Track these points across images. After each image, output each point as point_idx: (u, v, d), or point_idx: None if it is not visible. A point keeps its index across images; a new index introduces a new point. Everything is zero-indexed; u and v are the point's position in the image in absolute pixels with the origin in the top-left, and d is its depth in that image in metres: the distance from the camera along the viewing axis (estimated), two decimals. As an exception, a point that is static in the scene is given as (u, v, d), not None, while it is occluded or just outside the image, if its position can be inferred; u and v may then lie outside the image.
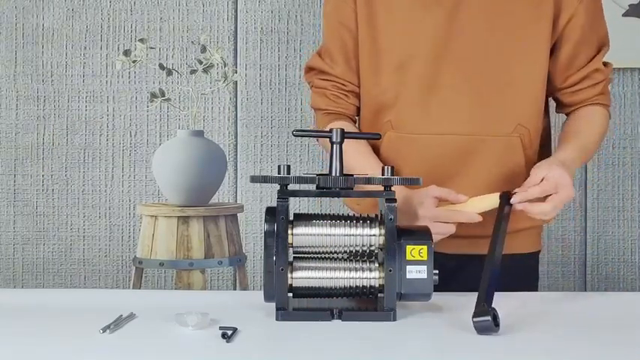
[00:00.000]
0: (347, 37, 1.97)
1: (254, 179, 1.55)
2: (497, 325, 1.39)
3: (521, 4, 1.90)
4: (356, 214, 1.56)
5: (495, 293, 1.59)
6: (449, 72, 1.89)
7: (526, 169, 1.89)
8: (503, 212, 1.71)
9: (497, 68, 1.89)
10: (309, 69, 2.05)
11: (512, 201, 1.73)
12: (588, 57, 1.97)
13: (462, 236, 1.83)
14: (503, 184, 1.89)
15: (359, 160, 1.90)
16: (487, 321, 1.39)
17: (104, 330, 1.40)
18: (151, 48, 2.94)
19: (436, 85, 1.89)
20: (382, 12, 1.92)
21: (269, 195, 3.34)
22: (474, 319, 1.40)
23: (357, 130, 2.00)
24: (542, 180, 1.75)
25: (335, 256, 1.53)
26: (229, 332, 1.37)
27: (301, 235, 1.52)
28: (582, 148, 1.92)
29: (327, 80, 1.99)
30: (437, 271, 1.52)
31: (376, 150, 1.96)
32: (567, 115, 2.03)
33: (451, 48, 1.89)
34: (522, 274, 1.98)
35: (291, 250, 1.52)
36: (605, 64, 2.00)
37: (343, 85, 1.98)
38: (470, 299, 1.68)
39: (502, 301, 1.69)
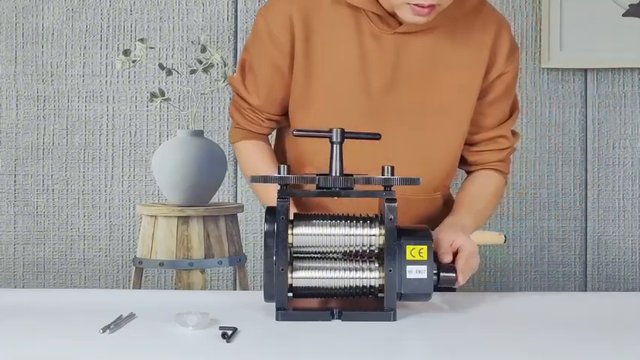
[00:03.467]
0: (276, 76, 1.88)
1: (254, 179, 1.55)
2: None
3: (459, 60, 1.85)
4: (355, 214, 1.56)
5: (495, 293, 1.60)
6: (382, 130, 1.77)
7: (443, 208, 1.94)
8: None
9: (430, 128, 1.85)
10: (236, 91, 1.96)
11: (443, 260, 1.66)
12: (499, 120, 1.93)
13: None
14: (433, 223, 1.87)
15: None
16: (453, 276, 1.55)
17: (104, 330, 1.40)
18: (151, 48, 2.94)
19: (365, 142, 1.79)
20: (319, 62, 1.85)
21: (269, 195, 3.34)
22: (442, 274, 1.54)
23: (271, 153, 1.97)
24: (452, 245, 1.68)
25: (335, 256, 1.53)
26: (229, 332, 1.36)
27: (301, 235, 1.51)
28: (477, 213, 1.88)
29: (245, 101, 1.92)
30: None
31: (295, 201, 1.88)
32: (467, 173, 1.99)
33: (384, 111, 1.83)
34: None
35: (291, 250, 1.52)
36: (514, 133, 1.97)
37: (260, 112, 1.92)
38: (470, 299, 1.68)
39: (502, 300, 1.69)
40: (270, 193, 1.74)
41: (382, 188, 1.52)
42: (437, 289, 1.55)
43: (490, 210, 1.95)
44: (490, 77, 1.89)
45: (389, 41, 1.82)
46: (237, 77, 1.94)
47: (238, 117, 1.95)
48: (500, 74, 1.89)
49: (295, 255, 1.53)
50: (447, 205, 1.94)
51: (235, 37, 3.35)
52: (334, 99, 1.84)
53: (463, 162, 1.98)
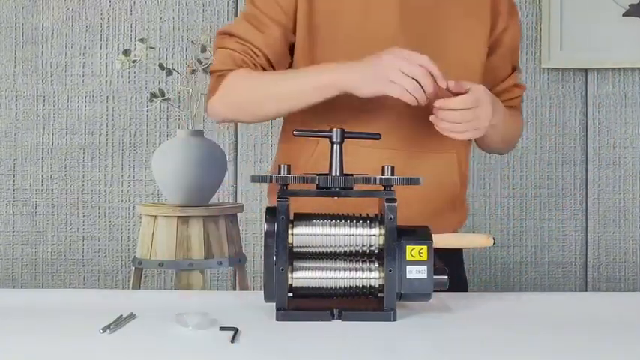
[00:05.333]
0: (279, 14, 1.88)
1: (254, 179, 1.55)
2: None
3: (463, 12, 1.91)
4: (356, 214, 1.56)
5: (495, 293, 1.60)
6: None
7: (459, 188, 1.95)
8: None
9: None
10: (224, 33, 1.93)
11: (435, 104, 1.71)
12: (508, 71, 2.05)
13: None
14: (442, 201, 1.91)
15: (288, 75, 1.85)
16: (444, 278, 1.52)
17: (104, 330, 1.40)
18: (151, 48, 2.93)
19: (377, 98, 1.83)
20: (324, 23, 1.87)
21: (269, 195, 3.34)
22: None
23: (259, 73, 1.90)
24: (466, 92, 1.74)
25: (335, 256, 1.53)
26: (232, 332, 1.36)
27: (301, 235, 1.51)
28: (509, 122, 1.96)
29: (239, 44, 1.88)
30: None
31: (307, 156, 1.88)
32: None
33: None
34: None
35: (291, 250, 1.52)
36: (518, 84, 2.09)
37: (255, 54, 1.88)
38: (470, 299, 1.68)
39: (502, 300, 1.69)
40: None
41: (382, 188, 1.52)
42: None
43: (516, 127, 2.04)
44: (496, 32, 1.97)
45: None
46: (241, 21, 1.91)
47: (229, 62, 1.88)
48: (505, 28, 1.98)
49: (295, 255, 1.53)
50: (464, 175, 1.96)
51: (235, 37, 3.35)
52: (337, 52, 1.85)
53: None
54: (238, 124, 3.33)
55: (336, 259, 1.53)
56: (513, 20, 2.02)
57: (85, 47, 3.36)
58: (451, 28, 1.90)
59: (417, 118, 1.84)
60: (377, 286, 1.51)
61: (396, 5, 1.86)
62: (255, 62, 1.89)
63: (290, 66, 1.92)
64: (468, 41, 1.92)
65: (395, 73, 1.70)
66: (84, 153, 3.36)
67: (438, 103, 1.74)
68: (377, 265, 1.52)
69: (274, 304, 1.49)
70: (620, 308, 1.66)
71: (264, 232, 1.50)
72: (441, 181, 1.91)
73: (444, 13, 1.89)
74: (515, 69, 2.07)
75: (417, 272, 1.50)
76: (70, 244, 3.36)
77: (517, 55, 2.08)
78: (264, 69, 1.89)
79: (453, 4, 1.91)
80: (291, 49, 1.91)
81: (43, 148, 3.36)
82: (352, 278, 1.51)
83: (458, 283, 1.95)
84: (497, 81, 2.03)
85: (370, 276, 1.51)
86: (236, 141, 3.35)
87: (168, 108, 3.32)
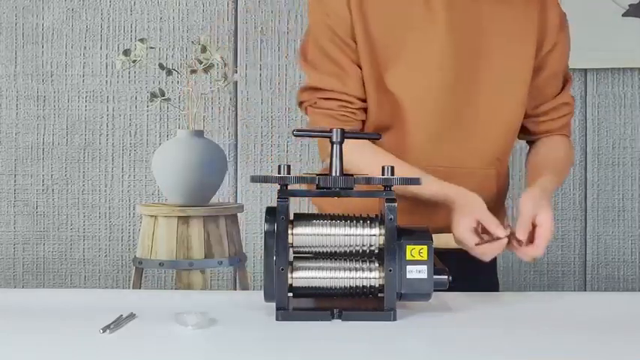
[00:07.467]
0: (350, 52, 1.89)
1: (254, 179, 1.55)
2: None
3: (508, 31, 1.88)
4: (356, 214, 1.56)
5: (493, 293, 1.60)
6: (438, 102, 1.87)
7: (496, 200, 1.95)
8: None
9: (484, 100, 1.88)
10: (311, 89, 1.93)
11: (518, 236, 1.70)
12: (558, 88, 1.99)
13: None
14: None
15: (379, 157, 1.85)
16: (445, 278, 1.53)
17: (104, 330, 1.40)
18: (151, 48, 2.94)
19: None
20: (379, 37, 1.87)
21: (269, 195, 3.34)
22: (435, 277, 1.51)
23: (372, 145, 1.91)
24: (533, 222, 1.72)
25: (335, 256, 1.53)
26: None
27: (301, 235, 1.51)
28: (559, 173, 1.93)
29: (333, 100, 1.90)
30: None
31: None
32: (529, 143, 2.04)
33: (442, 78, 1.86)
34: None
35: (291, 250, 1.52)
36: (568, 102, 2.03)
37: (350, 103, 1.90)
38: (470, 299, 1.68)
39: (502, 300, 1.69)
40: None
41: (382, 188, 1.52)
42: None
43: (567, 169, 2.00)
44: (544, 50, 1.93)
45: (438, 4, 1.84)
46: (321, 76, 1.90)
47: (330, 123, 1.88)
48: (555, 44, 1.93)
49: (295, 255, 1.53)
50: (499, 194, 1.97)
51: (235, 37, 3.35)
52: (398, 71, 1.86)
53: (526, 132, 2.01)
54: (238, 123, 3.34)
55: (336, 259, 1.53)
56: (563, 34, 1.95)
57: (85, 47, 3.37)
58: (496, 45, 1.87)
59: (460, 135, 1.88)
60: (377, 286, 1.51)
61: (443, 22, 1.85)
62: (353, 111, 1.90)
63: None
64: (512, 61, 1.89)
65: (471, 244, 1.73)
66: (84, 153, 3.36)
67: (528, 257, 1.73)
68: (377, 265, 1.52)
69: (274, 304, 1.49)
70: (619, 308, 1.66)
71: (264, 232, 1.50)
72: (480, 192, 1.92)
73: (489, 30, 1.87)
74: (565, 86, 2.01)
75: (417, 272, 1.51)
76: (71, 244, 3.37)
77: (565, 70, 2.01)
78: (360, 109, 1.90)
79: (498, 21, 1.87)
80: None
81: (43, 148, 3.37)
82: (352, 278, 1.51)
83: (489, 286, 1.98)
84: (543, 99, 1.98)
85: (370, 276, 1.51)
86: (236, 141, 3.35)
87: (168, 108, 3.32)
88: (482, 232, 1.73)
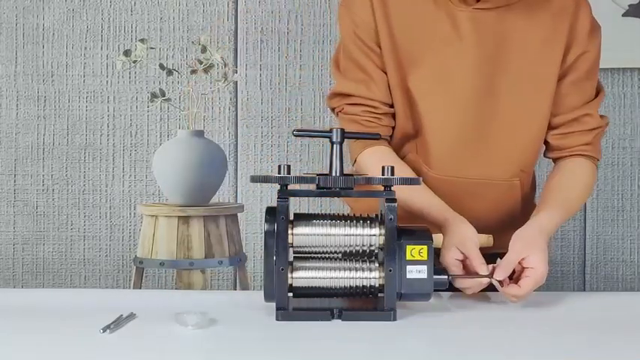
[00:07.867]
0: (375, 57, 1.89)
1: (254, 179, 1.56)
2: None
3: (534, 47, 1.85)
4: (355, 214, 1.56)
5: (495, 293, 1.60)
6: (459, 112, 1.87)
7: (522, 206, 1.94)
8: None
9: (508, 114, 1.86)
10: (339, 95, 1.93)
11: (495, 276, 1.65)
12: (582, 99, 1.89)
13: None
14: (500, 223, 1.90)
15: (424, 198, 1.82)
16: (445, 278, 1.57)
17: (104, 330, 1.40)
18: (151, 48, 2.94)
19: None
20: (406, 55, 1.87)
21: (269, 195, 3.34)
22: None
23: (395, 155, 1.90)
24: (521, 263, 1.65)
25: (335, 255, 1.54)
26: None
27: (301, 235, 1.52)
28: (568, 208, 1.84)
29: (358, 105, 1.90)
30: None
31: None
32: (554, 161, 1.94)
33: (463, 91, 1.86)
34: None
35: (291, 250, 1.52)
36: (602, 116, 1.92)
37: (375, 108, 1.89)
38: (470, 299, 1.69)
39: (501, 300, 1.69)
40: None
41: (382, 188, 1.52)
42: None
43: (581, 200, 1.88)
44: (571, 56, 1.86)
45: (463, 18, 1.83)
46: (347, 82, 1.91)
47: (354, 128, 1.89)
48: (583, 52, 1.86)
49: (295, 255, 1.54)
50: (524, 203, 1.95)
51: (235, 37, 3.35)
52: (421, 72, 1.86)
53: (548, 148, 1.94)
54: (238, 123, 3.34)
55: (336, 259, 1.53)
56: (592, 44, 1.87)
57: (85, 47, 3.37)
58: (521, 60, 1.84)
59: (484, 147, 1.88)
60: (377, 286, 1.52)
61: (469, 38, 1.84)
62: (378, 116, 1.90)
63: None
64: (537, 76, 1.85)
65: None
66: (85, 153, 3.36)
67: (509, 296, 1.65)
68: (377, 265, 1.52)
69: (274, 304, 1.49)
70: (618, 308, 1.66)
71: (264, 232, 1.50)
72: (501, 205, 1.93)
73: (514, 46, 1.84)
74: (593, 100, 1.90)
75: (417, 272, 1.51)
76: (71, 244, 3.37)
77: (595, 79, 1.90)
78: (385, 114, 1.90)
79: (524, 38, 1.84)
80: None
81: (44, 148, 3.37)
82: (352, 278, 1.51)
83: (488, 286, 1.96)
84: (563, 109, 1.89)
85: (370, 276, 1.51)
86: (236, 141, 3.35)
87: (168, 108, 3.33)
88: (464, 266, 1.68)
